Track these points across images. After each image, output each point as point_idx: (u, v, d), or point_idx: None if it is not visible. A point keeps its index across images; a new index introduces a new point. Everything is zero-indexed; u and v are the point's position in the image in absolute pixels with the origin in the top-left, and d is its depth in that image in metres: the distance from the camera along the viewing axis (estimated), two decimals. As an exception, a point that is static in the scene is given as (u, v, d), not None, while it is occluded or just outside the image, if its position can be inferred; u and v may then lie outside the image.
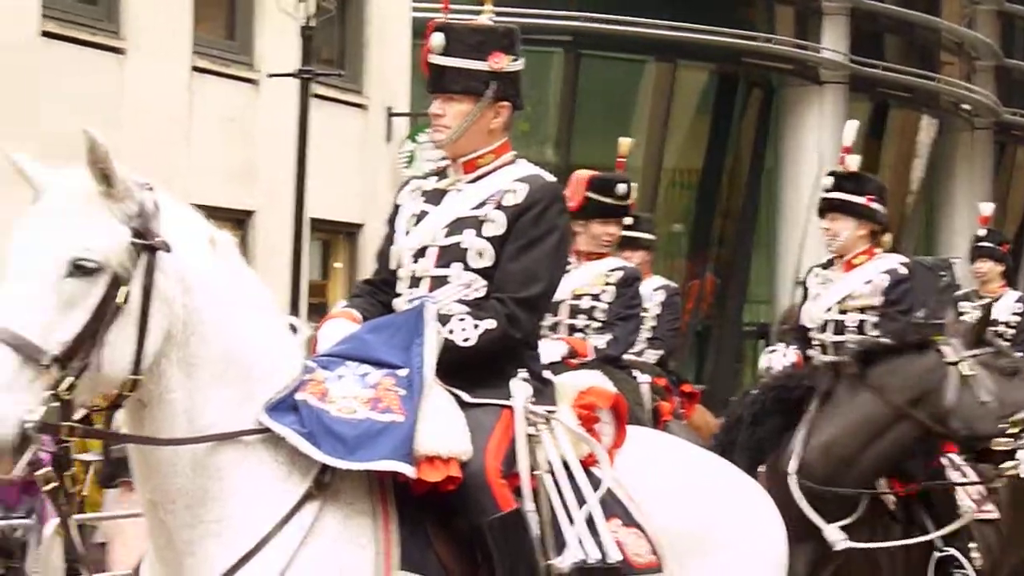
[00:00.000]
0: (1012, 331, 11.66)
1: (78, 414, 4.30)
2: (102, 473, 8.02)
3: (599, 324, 9.32)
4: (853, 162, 8.67)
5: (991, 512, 8.73)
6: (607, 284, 9.47)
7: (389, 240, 5.69)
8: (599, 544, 4.99)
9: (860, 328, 8.90)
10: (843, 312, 8.94)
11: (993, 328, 9.89)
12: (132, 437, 4.56)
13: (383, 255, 5.75)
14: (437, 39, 5.44)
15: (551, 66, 36.05)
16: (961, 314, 10.69)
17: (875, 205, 8.59)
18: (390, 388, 4.80)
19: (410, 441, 4.62)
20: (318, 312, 13.09)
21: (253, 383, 4.65)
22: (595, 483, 5.14)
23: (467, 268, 5.25)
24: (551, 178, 5.58)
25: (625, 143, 11.87)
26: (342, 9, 19.19)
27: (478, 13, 5.76)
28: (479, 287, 5.21)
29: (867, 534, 7.77)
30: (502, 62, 5.39)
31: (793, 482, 7.86)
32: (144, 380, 4.38)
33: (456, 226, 5.29)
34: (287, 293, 16.00)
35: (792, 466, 7.93)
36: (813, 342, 8.97)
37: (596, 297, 9.40)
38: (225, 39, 19.37)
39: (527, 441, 4.98)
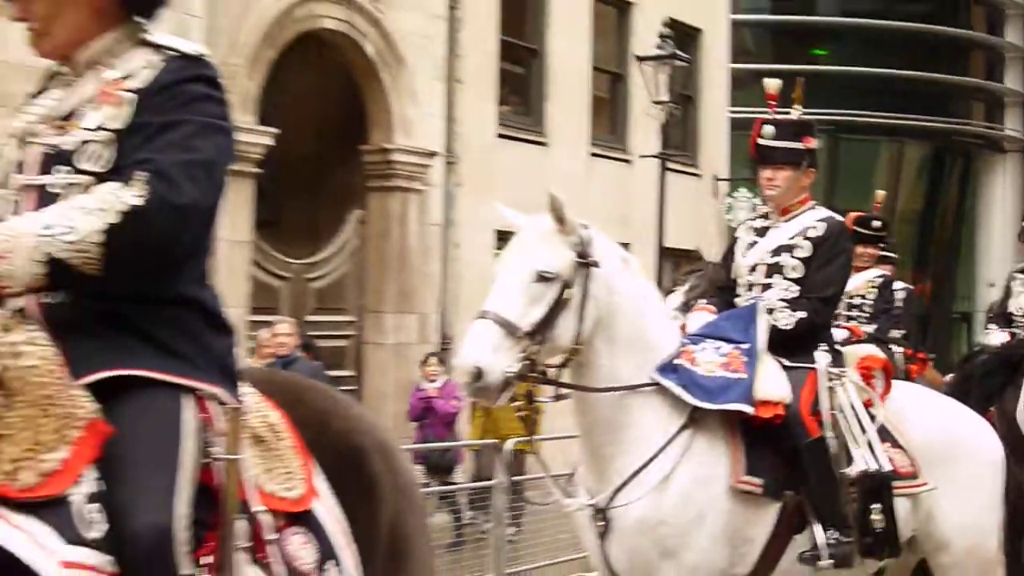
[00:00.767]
0: None
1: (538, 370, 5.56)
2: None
3: (867, 315, 10.17)
4: None
5: None
6: (871, 287, 10.34)
7: (729, 259, 6.73)
8: (876, 458, 6.00)
9: None
10: None
11: None
12: (574, 385, 5.74)
13: (726, 270, 6.76)
14: (769, 129, 6.47)
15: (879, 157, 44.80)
16: None
17: None
18: (736, 356, 5.85)
19: (750, 390, 5.69)
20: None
21: (649, 353, 5.75)
22: (872, 418, 6.13)
23: (785, 278, 6.28)
24: (840, 218, 6.66)
25: (880, 194, 13.15)
26: (684, 110, 20.95)
27: (787, 111, 6.75)
28: (794, 291, 6.26)
29: None
30: (811, 143, 6.49)
31: (1021, 418, 8.77)
32: (582, 350, 5.58)
33: (777, 251, 6.35)
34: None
35: (1020, 408, 8.84)
36: (1015, 324, 9.87)
37: (863, 297, 10.21)
38: (609, 133, 21.59)
39: (827, 391, 6.04)
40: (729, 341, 5.88)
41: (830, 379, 6.02)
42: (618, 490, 5.57)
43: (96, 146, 2.87)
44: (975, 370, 9.72)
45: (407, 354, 16.71)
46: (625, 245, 8.12)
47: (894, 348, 10.46)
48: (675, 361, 5.68)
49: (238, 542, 2.82)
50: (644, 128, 20.30)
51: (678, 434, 5.59)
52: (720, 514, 5.58)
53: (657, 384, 5.62)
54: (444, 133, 17.74)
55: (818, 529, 5.73)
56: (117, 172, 2.80)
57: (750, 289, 6.37)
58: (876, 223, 11.01)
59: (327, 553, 3.09)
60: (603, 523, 5.60)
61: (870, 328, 9.98)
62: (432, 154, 17.38)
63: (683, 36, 18.93)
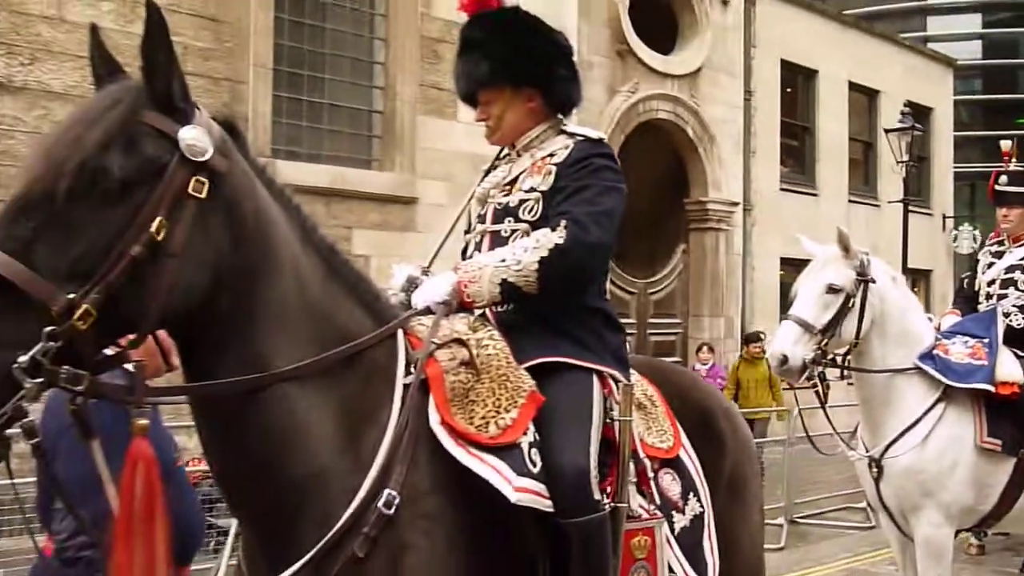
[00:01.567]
0: None
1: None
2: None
3: None
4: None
5: None
6: None
7: (973, 276, 6.30)
8: None
9: None
10: None
11: None
12: (858, 368, 5.48)
13: (970, 285, 6.32)
14: (1003, 178, 6.11)
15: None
16: None
17: None
18: (980, 348, 5.46)
19: (992, 374, 5.31)
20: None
21: (912, 345, 5.42)
22: None
23: (1017, 289, 5.92)
24: None
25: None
26: (920, 167, 19.83)
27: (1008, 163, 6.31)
28: (1023, 300, 5.88)
29: None
30: None
31: None
32: (861, 343, 5.34)
33: (1011, 268, 5.98)
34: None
35: None
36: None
37: None
38: (863, 185, 20.79)
39: None
40: (974, 336, 5.56)
41: None
42: (889, 446, 5.35)
43: (531, 203, 2.88)
44: None
45: (718, 347, 16.49)
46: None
47: None
48: (933, 351, 5.38)
49: (629, 477, 2.77)
50: (890, 181, 19.65)
51: (934, 405, 5.32)
52: (968, 465, 5.29)
53: (918, 368, 5.34)
54: (743, 189, 17.53)
55: None
56: (545, 220, 2.78)
57: (989, 299, 6.02)
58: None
59: (688, 487, 3.05)
60: (877, 470, 5.40)
61: None
62: (735, 204, 17.19)
63: (918, 113, 18.11)
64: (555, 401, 2.63)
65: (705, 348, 14.04)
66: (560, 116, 3.04)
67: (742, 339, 13.70)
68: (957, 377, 5.28)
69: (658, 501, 2.89)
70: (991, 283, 6.04)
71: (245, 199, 2.20)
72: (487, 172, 3.13)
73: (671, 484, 2.99)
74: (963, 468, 5.25)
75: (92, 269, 1.92)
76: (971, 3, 65.64)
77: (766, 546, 4.01)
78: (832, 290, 5.17)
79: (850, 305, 5.20)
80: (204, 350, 2.21)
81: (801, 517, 10.61)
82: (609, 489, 2.70)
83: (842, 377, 5.65)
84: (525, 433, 2.51)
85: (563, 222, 2.69)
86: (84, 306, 1.90)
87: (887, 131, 17.03)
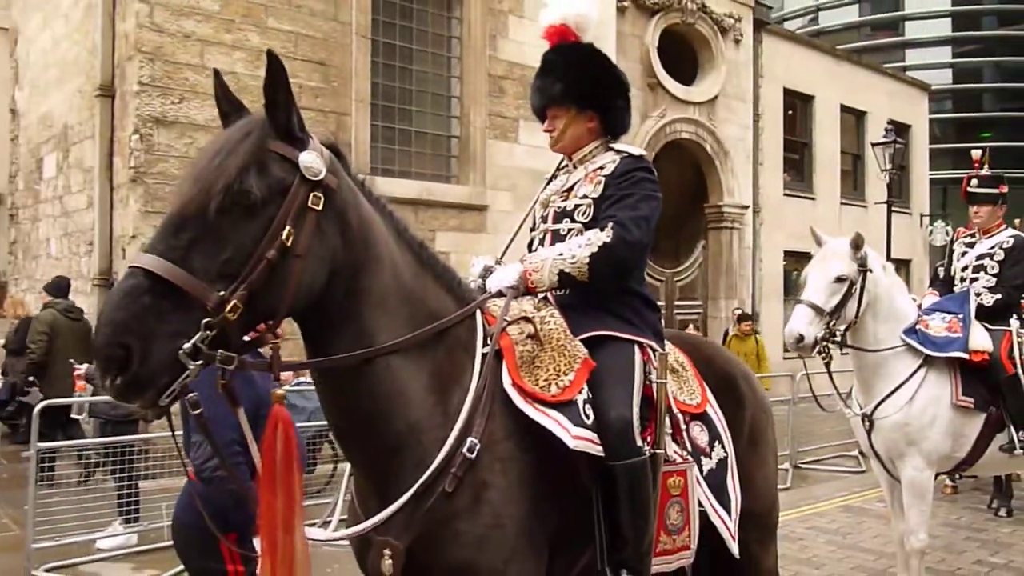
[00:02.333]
0: None
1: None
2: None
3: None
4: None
5: None
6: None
7: (950, 263, 6.07)
8: None
9: None
10: None
11: None
12: (856, 347, 5.22)
13: (946, 269, 6.12)
14: (974, 181, 5.91)
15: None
16: None
17: None
18: (956, 322, 5.30)
19: (966, 344, 5.15)
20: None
21: (899, 322, 5.21)
22: None
23: (987, 274, 5.76)
24: (1022, 234, 5.85)
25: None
26: (900, 174, 18.88)
27: (981, 168, 6.03)
28: (992, 282, 5.71)
29: None
30: (1003, 188, 5.90)
31: None
32: (858, 322, 5.08)
33: (981, 256, 5.80)
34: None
35: None
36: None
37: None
38: (853, 191, 20.16)
39: (1018, 344, 5.36)
40: (950, 313, 5.42)
41: (1019, 336, 5.46)
42: (879, 404, 5.21)
43: (584, 208, 2.86)
44: None
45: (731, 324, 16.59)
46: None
47: None
48: (916, 327, 5.25)
49: (665, 429, 2.76)
50: (875, 186, 19.12)
51: (917, 371, 5.17)
52: (946, 420, 5.15)
53: (904, 344, 5.20)
54: (752, 194, 17.26)
55: (1012, 430, 5.24)
56: (595, 222, 2.78)
57: (963, 281, 5.89)
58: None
59: (714, 436, 3.01)
60: (869, 424, 5.27)
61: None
62: (746, 207, 16.95)
63: (899, 129, 17.57)
64: (604, 366, 2.61)
65: (691, 326, 13.99)
66: (609, 137, 3.01)
67: (735, 318, 13.26)
68: (936, 347, 5.16)
69: (689, 448, 2.87)
70: (964, 268, 5.91)
71: (351, 208, 2.21)
72: (549, 180, 3.11)
73: (700, 434, 2.95)
74: (941, 422, 5.13)
75: (237, 271, 1.95)
76: (943, 38, 64.60)
77: (775, 486, 3.91)
78: (839, 279, 5.03)
79: (852, 291, 5.06)
80: (323, 330, 2.23)
81: (803, 463, 10.52)
82: (649, 438, 2.68)
83: (841, 350, 5.38)
84: (580, 392, 2.50)
85: (610, 224, 2.68)
86: (233, 301, 1.93)
87: (873, 145, 16.68)
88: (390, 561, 2.28)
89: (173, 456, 6.77)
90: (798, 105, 19.33)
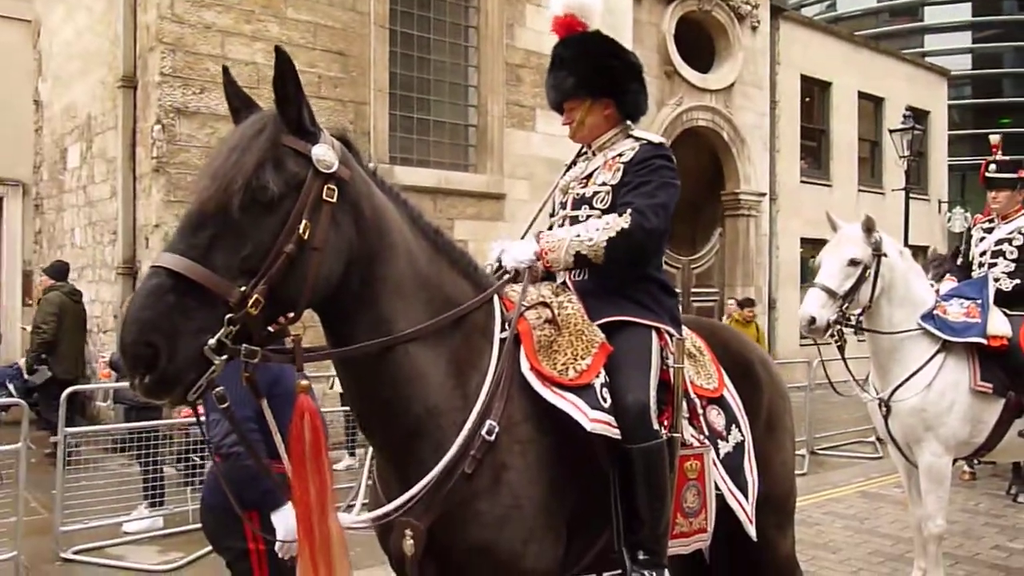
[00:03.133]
0: None
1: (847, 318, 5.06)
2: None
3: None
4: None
5: None
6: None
7: (968, 248, 6.05)
8: None
9: None
10: None
11: None
12: (870, 329, 5.16)
13: (964, 255, 6.05)
14: (993, 167, 5.87)
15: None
16: None
17: None
18: (974, 308, 5.24)
19: (984, 329, 5.09)
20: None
21: (915, 307, 5.15)
22: None
23: (1005, 259, 5.72)
24: None
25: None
26: (919, 161, 18.46)
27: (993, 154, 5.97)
28: (1011, 267, 5.65)
29: None
30: (1022, 173, 5.84)
31: None
32: (873, 306, 5.02)
33: (1000, 242, 5.79)
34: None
35: None
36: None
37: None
38: (870, 177, 19.84)
39: None
40: (968, 299, 5.36)
41: None
42: (896, 389, 5.17)
43: (602, 195, 2.86)
44: None
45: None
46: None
47: None
48: (933, 312, 5.19)
49: (682, 413, 2.76)
50: (893, 173, 19.03)
51: (935, 356, 5.12)
52: (964, 405, 5.10)
53: (920, 328, 5.15)
54: (769, 182, 17.11)
55: None
56: (614, 209, 2.76)
57: (981, 267, 5.83)
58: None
59: (731, 420, 3.00)
60: (886, 409, 5.22)
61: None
62: (763, 194, 16.79)
63: (917, 115, 17.08)
64: (621, 351, 2.62)
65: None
66: (629, 122, 3.00)
67: (737, 304, 13.12)
68: (954, 333, 5.09)
69: (706, 432, 2.86)
70: (983, 253, 5.85)
71: (364, 199, 2.21)
72: (568, 167, 3.10)
73: (717, 418, 2.94)
74: (959, 407, 5.08)
75: (257, 266, 1.95)
76: (963, 23, 63.80)
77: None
78: (853, 263, 4.99)
79: (866, 275, 5.01)
80: (343, 319, 2.23)
81: (820, 449, 10.47)
82: (666, 422, 2.69)
83: (856, 334, 5.36)
84: (597, 376, 2.51)
85: (628, 210, 2.67)
86: (254, 296, 1.93)
87: (891, 131, 16.44)
88: (411, 542, 2.31)
89: (197, 441, 6.85)
90: (815, 92, 19.17)
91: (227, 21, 9.67)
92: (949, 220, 22.69)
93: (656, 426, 2.56)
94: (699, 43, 15.63)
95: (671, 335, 2.78)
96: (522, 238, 3.01)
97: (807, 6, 62.10)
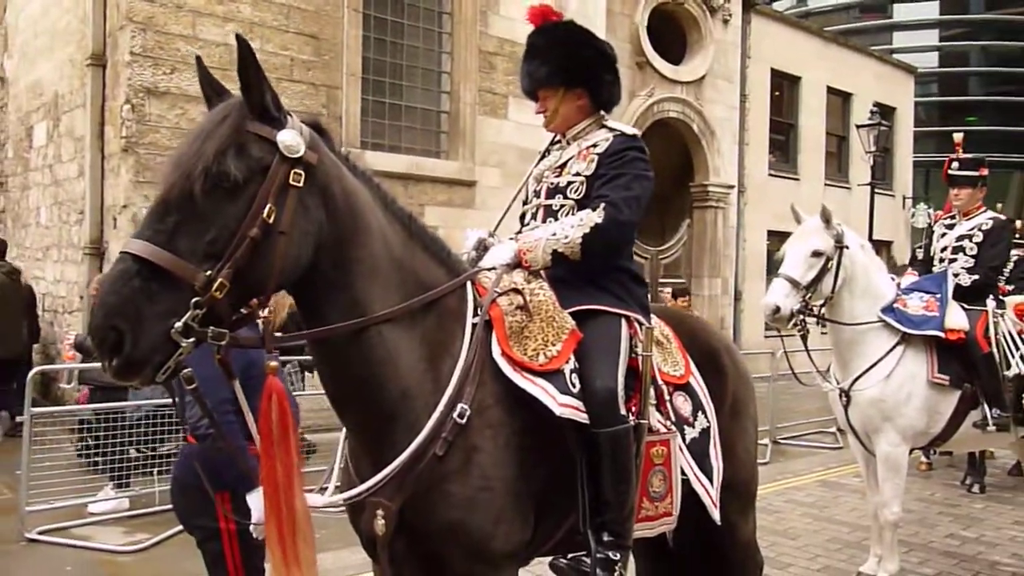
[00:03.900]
0: None
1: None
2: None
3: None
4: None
5: None
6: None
7: (930, 244, 6.13)
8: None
9: None
10: None
11: None
12: (832, 320, 5.25)
13: (925, 250, 6.17)
14: (956, 164, 5.94)
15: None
16: None
17: None
18: (933, 302, 5.31)
19: (943, 323, 5.20)
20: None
21: (876, 300, 5.26)
22: (1023, 340, 5.55)
23: (965, 255, 5.81)
24: (1003, 217, 5.99)
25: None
26: (884, 157, 19.01)
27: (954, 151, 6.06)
28: (971, 263, 5.76)
29: None
30: (984, 171, 5.91)
31: None
32: (835, 297, 5.17)
33: (960, 238, 5.85)
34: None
35: None
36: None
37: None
38: (837, 172, 20.22)
39: (993, 324, 5.42)
40: (928, 292, 5.47)
41: (995, 316, 5.55)
42: (856, 380, 5.27)
43: (576, 184, 2.89)
44: None
45: (716, 302, 16.70)
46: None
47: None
48: (893, 305, 5.30)
49: (649, 399, 2.79)
50: (859, 168, 19.18)
51: (894, 348, 5.24)
52: (921, 396, 5.22)
53: (880, 320, 5.27)
54: (737, 174, 17.18)
55: (986, 407, 5.33)
56: (587, 199, 2.81)
57: (941, 262, 5.93)
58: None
59: (697, 407, 3.05)
60: (846, 399, 5.32)
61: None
62: (731, 187, 16.86)
63: (884, 111, 17.63)
64: (591, 338, 2.65)
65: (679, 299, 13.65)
66: (602, 113, 3.03)
67: (672, 292, 13.10)
68: (913, 326, 5.19)
69: (672, 418, 2.90)
70: (944, 249, 5.94)
71: (334, 182, 2.22)
72: (542, 156, 3.13)
73: (683, 404, 2.99)
74: (917, 398, 5.19)
75: (222, 250, 1.97)
76: (930, 21, 64.53)
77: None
78: (816, 254, 5.07)
79: (828, 266, 5.09)
80: (316, 302, 2.25)
81: (782, 438, 10.60)
82: (634, 408, 2.73)
83: (818, 324, 5.44)
84: (567, 362, 2.55)
85: (602, 204, 2.71)
86: (219, 280, 1.95)
87: (858, 127, 16.68)
88: (383, 522, 2.35)
89: (162, 422, 6.82)
90: (785, 86, 19.30)
91: (199, 1, 9.57)
92: (913, 215, 22.88)
93: (623, 412, 2.60)
94: (671, 35, 15.68)
95: (640, 323, 2.82)
96: (496, 226, 3.05)
97: (778, 0, 62.52)
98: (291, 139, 2.09)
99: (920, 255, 6.32)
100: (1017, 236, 8.71)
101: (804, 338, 5.30)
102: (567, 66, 2.89)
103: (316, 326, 2.26)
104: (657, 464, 2.81)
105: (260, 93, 2.08)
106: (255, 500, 3.20)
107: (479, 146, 12.07)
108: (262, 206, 2.01)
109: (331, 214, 2.19)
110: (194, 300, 1.92)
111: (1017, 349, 5.48)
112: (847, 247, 5.15)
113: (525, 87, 3.02)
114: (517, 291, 2.62)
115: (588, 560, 2.57)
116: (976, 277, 5.71)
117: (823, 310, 5.29)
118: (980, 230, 5.83)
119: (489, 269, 2.71)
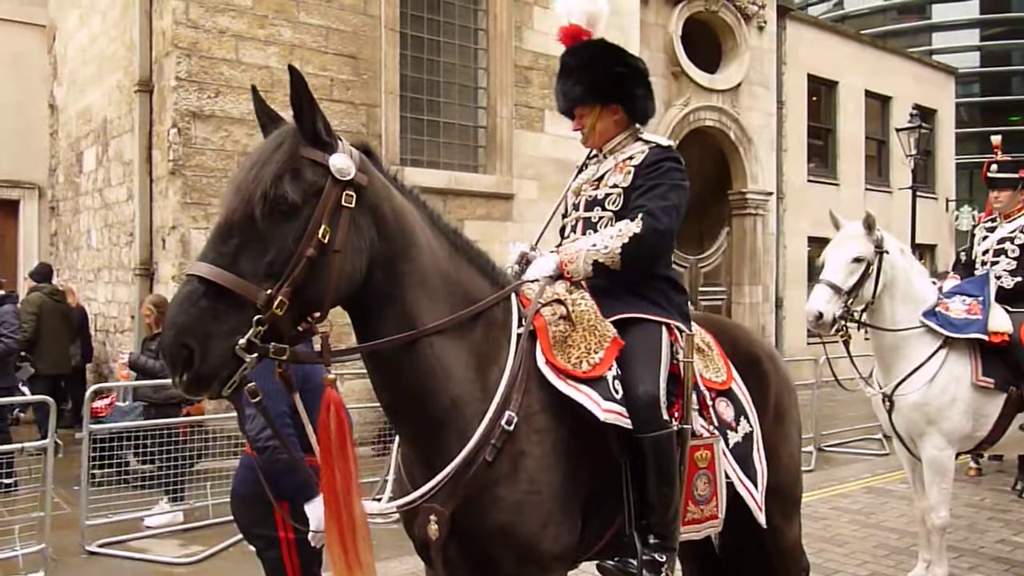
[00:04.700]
0: None
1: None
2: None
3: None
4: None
5: None
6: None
7: (971, 247, 6.19)
8: None
9: None
10: None
11: None
12: (874, 326, 5.27)
13: (967, 253, 6.20)
14: (994, 167, 5.98)
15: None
16: None
17: None
18: (975, 305, 5.30)
19: (985, 326, 5.20)
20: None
21: (917, 304, 5.25)
22: None
23: (1007, 257, 5.82)
24: None
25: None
26: (926, 159, 18.60)
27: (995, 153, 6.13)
28: (1012, 265, 5.78)
29: None
30: (1023, 173, 5.90)
31: None
32: (875, 302, 5.21)
33: (1002, 240, 5.90)
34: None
35: None
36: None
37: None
38: (877, 176, 19.98)
39: None
40: (971, 296, 5.45)
41: None
42: (899, 384, 5.25)
43: (614, 196, 2.95)
44: None
45: (757, 309, 16.59)
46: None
47: None
48: (935, 309, 5.30)
49: (692, 405, 2.84)
50: (900, 172, 18.92)
51: (937, 352, 5.22)
52: (966, 399, 5.19)
53: (922, 325, 5.25)
54: (776, 181, 17.15)
55: None
56: (625, 210, 2.88)
57: (983, 265, 5.95)
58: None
59: (739, 412, 3.09)
60: (889, 404, 5.30)
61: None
62: (770, 193, 16.83)
63: (924, 114, 17.30)
64: (632, 345, 2.70)
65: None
66: (638, 126, 3.10)
67: (776, 303, 13.24)
68: (956, 329, 5.17)
69: (716, 423, 2.94)
70: (985, 252, 5.96)
71: (384, 202, 2.32)
72: (580, 169, 3.19)
73: (726, 409, 3.03)
74: (961, 402, 5.17)
75: (281, 270, 2.07)
76: (970, 20, 63.55)
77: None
78: (856, 260, 5.08)
79: (869, 272, 5.10)
80: (369, 316, 2.34)
81: (827, 446, 10.51)
82: (677, 414, 2.77)
83: (859, 329, 5.42)
84: (610, 369, 2.60)
85: (640, 214, 2.77)
86: (279, 298, 2.05)
87: (898, 130, 16.45)
88: (436, 527, 2.43)
89: (217, 438, 6.98)
90: (822, 91, 19.15)
91: (241, 26, 9.80)
92: (957, 219, 22.65)
93: (666, 416, 2.64)
94: (706, 43, 15.70)
95: (680, 330, 2.86)
96: (538, 239, 3.13)
97: (813, 5, 61.99)
98: (342, 162, 2.19)
99: (963, 258, 6.32)
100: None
101: (847, 343, 5.30)
102: (600, 84, 2.96)
103: (370, 339, 2.34)
104: (701, 468, 2.86)
105: (312, 120, 2.17)
106: (313, 509, 3.28)
107: (516, 159, 12.17)
108: (317, 227, 2.10)
109: (382, 232, 2.28)
110: (256, 318, 2.02)
111: None
112: (887, 252, 5.16)
113: (561, 105, 3.09)
114: (560, 302, 2.68)
115: (635, 562, 2.62)
116: (1019, 279, 5.69)
117: (864, 316, 5.28)
118: (1022, 232, 5.82)
119: (532, 281, 2.77)
